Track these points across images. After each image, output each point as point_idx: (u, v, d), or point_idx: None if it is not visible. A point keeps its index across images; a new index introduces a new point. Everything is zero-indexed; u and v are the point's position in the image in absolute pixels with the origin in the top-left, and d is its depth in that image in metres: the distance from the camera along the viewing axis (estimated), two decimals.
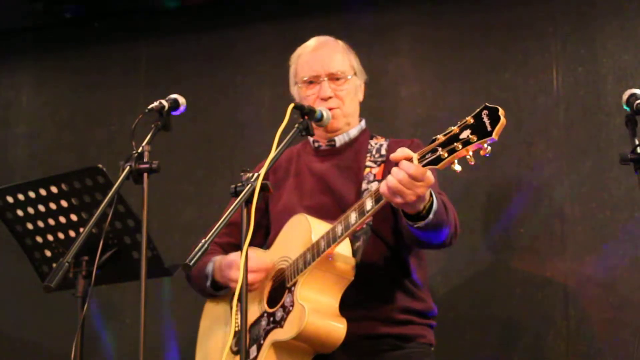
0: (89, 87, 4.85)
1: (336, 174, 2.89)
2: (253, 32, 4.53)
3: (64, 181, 2.73)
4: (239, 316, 2.42)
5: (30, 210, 2.81)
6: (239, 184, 2.39)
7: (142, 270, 2.44)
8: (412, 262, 2.82)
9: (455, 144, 2.21)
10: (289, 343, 2.56)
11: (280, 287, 2.73)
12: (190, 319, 3.23)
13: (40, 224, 2.82)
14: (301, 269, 2.63)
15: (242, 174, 2.45)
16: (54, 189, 2.75)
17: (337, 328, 2.57)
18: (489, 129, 2.16)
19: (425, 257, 2.93)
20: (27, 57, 5.07)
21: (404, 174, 2.31)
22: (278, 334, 2.62)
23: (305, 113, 2.65)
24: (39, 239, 2.85)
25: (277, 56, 4.39)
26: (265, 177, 2.98)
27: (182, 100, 2.71)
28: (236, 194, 2.37)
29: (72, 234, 2.80)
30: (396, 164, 2.35)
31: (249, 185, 2.35)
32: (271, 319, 2.68)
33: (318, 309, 2.56)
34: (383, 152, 2.87)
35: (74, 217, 2.77)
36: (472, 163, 2.22)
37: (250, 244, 2.84)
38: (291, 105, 2.59)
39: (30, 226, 2.84)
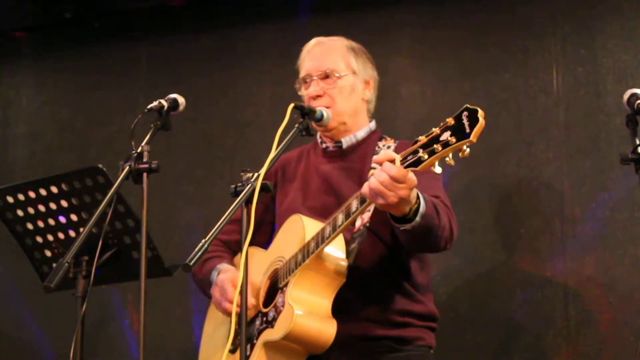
0: (89, 87, 4.86)
1: (341, 175, 2.87)
2: (253, 32, 4.53)
3: (64, 181, 2.73)
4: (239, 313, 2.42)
5: (30, 210, 2.81)
6: (239, 184, 2.40)
7: (142, 270, 2.44)
8: (413, 264, 2.80)
9: (435, 145, 2.19)
10: (279, 343, 2.56)
11: (275, 287, 2.74)
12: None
13: (40, 224, 2.82)
14: (292, 270, 2.63)
15: (242, 174, 2.45)
16: (54, 189, 2.75)
17: (326, 329, 2.56)
18: (467, 130, 2.13)
19: (429, 260, 2.91)
20: (27, 57, 5.08)
21: (386, 176, 2.30)
22: (269, 334, 2.62)
23: (305, 113, 2.65)
24: (39, 239, 2.85)
25: (277, 56, 4.41)
26: (275, 174, 3.01)
27: (181, 100, 2.71)
28: (236, 194, 2.37)
29: (72, 234, 2.80)
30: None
31: (249, 185, 2.35)
32: (264, 318, 2.69)
33: (308, 309, 2.56)
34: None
35: (74, 217, 2.77)
36: (452, 164, 2.20)
37: (257, 240, 2.88)
38: (291, 105, 2.59)
39: (30, 226, 2.84)
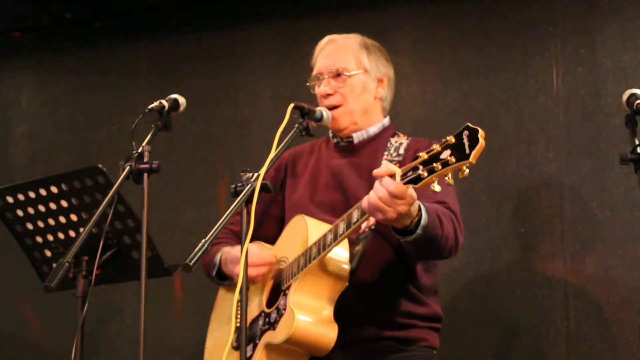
0: (89, 87, 4.85)
1: (350, 171, 2.85)
2: (253, 32, 4.52)
3: (64, 181, 2.73)
4: (240, 312, 2.42)
5: (30, 210, 2.81)
6: (239, 184, 2.40)
7: (142, 270, 2.44)
8: (418, 266, 2.78)
9: (435, 164, 2.18)
10: (281, 346, 2.57)
11: (278, 287, 2.74)
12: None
13: (40, 224, 2.82)
14: (295, 274, 2.63)
15: (242, 174, 2.45)
16: (54, 189, 2.75)
17: (327, 333, 2.56)
18: (467, 151, 2.12)
19: (436, 261, 2.89)
20: (27, 57, 5.07)
21: (384, 191, 2.28)
22: (270, 337, 2.63)
23: (305, 113, 2.64)
24: (39, 239, 2.85)
25: (277, 56, 4.42)
26: (284, 167, 3.00)
27: (182, 100, 2.71)
28: (236, 194, 2.37)
29: (72, 234, 2.80)
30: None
31: (249, 185, 2.35)
32: (267, 319, 2.69)
33: (309, 314, 2.56)
34: (401, 151, 2.81)
35: (74, 217, 2.77)
36: (452, 183, 2.19)
37: (262, 235, 2.88)
38: (291, 105, 2.59)
39: (30, 226, 2.84)
